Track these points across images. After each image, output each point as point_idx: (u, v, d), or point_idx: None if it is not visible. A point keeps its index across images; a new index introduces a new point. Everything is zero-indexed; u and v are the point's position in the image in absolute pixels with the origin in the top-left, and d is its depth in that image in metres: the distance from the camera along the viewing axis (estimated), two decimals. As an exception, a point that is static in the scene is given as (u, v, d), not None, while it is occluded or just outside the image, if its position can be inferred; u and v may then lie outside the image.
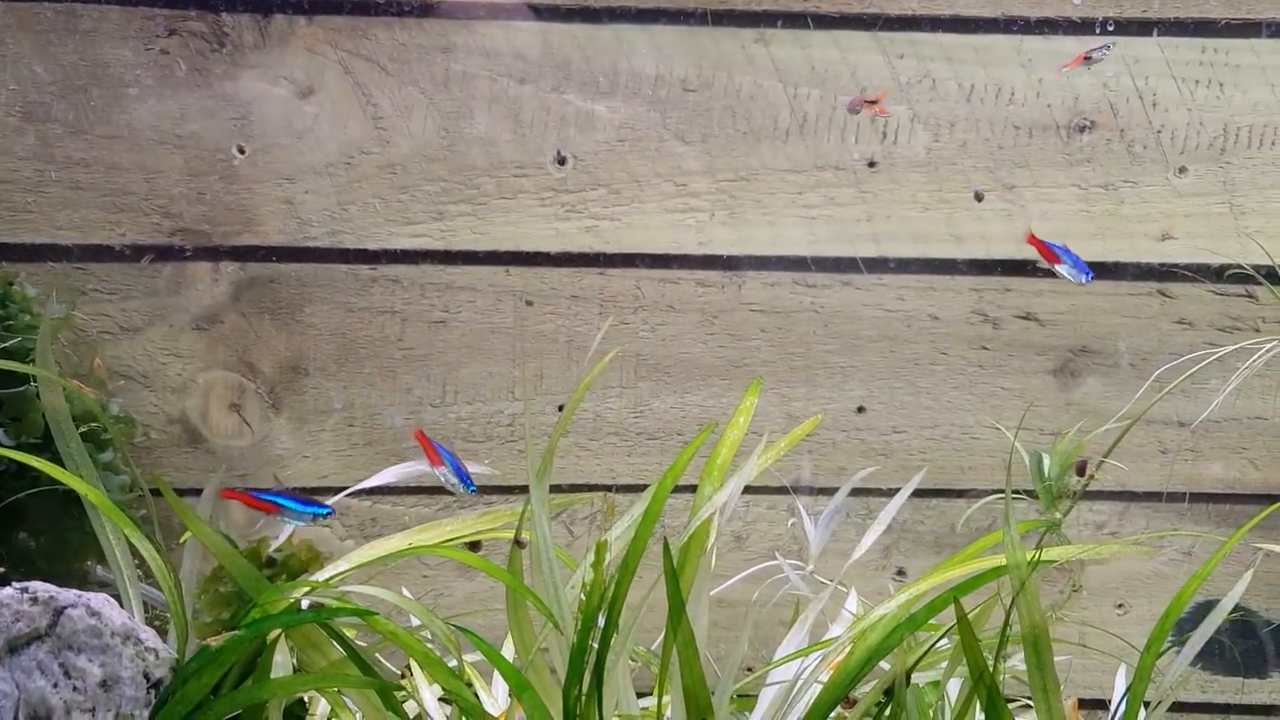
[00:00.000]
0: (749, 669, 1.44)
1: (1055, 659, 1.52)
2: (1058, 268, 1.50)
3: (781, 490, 1.71)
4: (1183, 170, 1.66)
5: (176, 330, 1.65)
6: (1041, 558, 1.01)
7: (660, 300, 1.69)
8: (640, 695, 1.13)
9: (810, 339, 1.71)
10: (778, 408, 1.71)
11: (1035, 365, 1.71)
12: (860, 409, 1.71)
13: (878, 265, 1.68)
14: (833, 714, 1.12)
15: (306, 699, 1.20)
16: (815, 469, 1.72)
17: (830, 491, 1.53)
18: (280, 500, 1.19)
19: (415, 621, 1.09)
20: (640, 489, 1.26)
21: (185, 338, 1.65)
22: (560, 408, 1.69)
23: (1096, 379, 1.71)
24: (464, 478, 1.25)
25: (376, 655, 1.14)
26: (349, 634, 1.22)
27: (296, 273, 1.64)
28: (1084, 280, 1.50)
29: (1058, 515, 1.53)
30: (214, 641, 0.91)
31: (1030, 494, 1.60)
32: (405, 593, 1.51)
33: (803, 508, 1.55)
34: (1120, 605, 1.77)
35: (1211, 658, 1.76)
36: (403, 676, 1.33)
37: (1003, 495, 1.65)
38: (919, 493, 1.74)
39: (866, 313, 1.70)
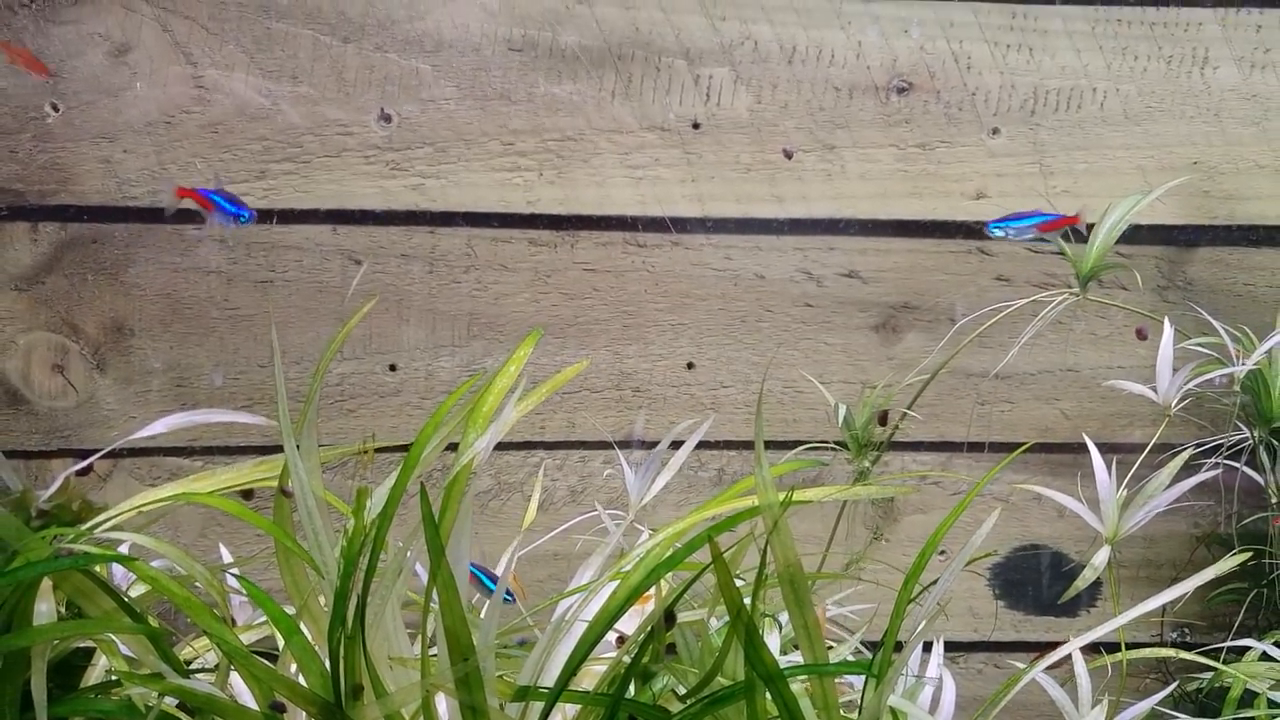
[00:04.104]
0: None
1: (862, 605, 1.59)
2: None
3: (610, 446, 1.75)
4: (996, 131, 1.72)
5: (-4, 291, 1.63)
6: (794, 498, 1.05)
7: (493, 259, 1.71)
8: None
9: (642, 298, 1.74)
10: (611, 365, 1.75)
11: (858, 321, 1.76)
12: (690, 365, 1.75)
13: (703, 225, 1.71)
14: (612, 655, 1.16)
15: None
16: (647, 424, 1.76)
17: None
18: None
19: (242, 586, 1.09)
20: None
21: (4, 298, 1.63)
22: (392, 367, 1.71)
23: (917, 334, 1.77)
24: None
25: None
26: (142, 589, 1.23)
27: (119, 233, 1.63)
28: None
29: (866, 463, 1.59)
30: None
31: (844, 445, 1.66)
32: (223, 550, 1.53)
33: (624, 459, 1.59)
34: (943, 553, 1.84)
35: (1025, 599, 1.84)
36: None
37: (817, 445, 1.71)
38: (746, 445, 1.80)
39: (696, 272, 1.73)
